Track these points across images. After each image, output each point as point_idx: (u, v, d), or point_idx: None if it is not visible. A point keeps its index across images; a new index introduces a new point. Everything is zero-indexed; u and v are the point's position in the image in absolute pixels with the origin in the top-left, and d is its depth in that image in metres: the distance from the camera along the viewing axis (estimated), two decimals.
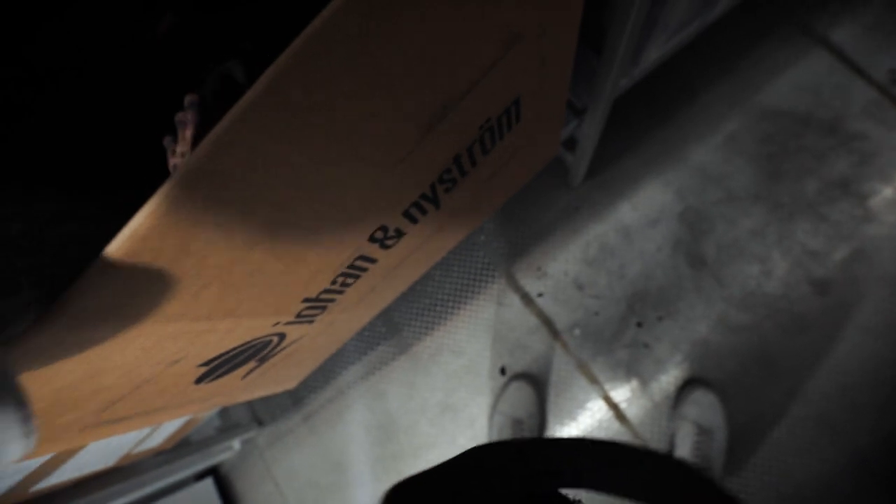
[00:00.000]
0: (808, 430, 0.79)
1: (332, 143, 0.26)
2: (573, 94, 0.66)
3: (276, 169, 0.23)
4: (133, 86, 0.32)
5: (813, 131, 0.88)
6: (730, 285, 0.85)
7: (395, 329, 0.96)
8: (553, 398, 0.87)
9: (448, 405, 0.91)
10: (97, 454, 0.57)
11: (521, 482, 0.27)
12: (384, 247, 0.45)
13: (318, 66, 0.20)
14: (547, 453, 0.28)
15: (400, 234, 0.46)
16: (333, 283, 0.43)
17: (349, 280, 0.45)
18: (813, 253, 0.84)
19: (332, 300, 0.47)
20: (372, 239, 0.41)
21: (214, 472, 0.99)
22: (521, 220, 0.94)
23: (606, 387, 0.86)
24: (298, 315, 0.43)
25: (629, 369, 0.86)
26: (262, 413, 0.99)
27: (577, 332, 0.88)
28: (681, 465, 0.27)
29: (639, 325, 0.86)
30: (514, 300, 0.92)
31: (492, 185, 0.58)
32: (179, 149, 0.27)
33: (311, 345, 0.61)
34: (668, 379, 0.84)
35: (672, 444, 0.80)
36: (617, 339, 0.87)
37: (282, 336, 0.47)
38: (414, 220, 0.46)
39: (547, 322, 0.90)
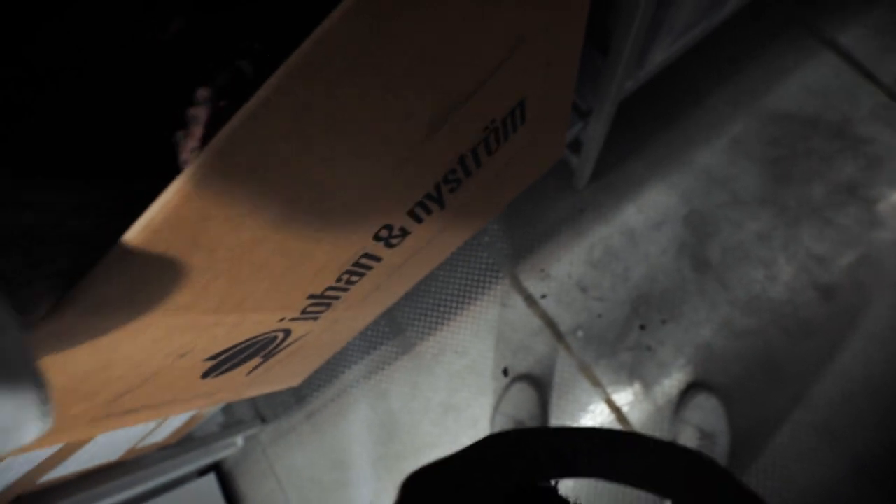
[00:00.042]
0: (811, 436, 0.78)
1: (339, 143, 0.26)
2: (578, 95, 0.66)
3: (284, 167, 0.24)
4: (142, 82, 0.33)
5: (820, 134, 0.88)
6: (734, 289, 0.85)
7: (399, 329, 0.96)
8: (555, 400, 0.87)
9: (451, 405, 0.92)
10: (104, 447, 0.58)
11: (523, 474, 0.27)
12: (389, 245, 0.45)
13: (329, 66, 0.21)
14: (547, 440, 0.28)
15: (405, 233, 0.46)
16: (338, 280, 0.43)
17: (354, 278, 0.46)
18: (819, 258, 0.84)
19: (336, 297, 0.47)
20: (377, 237, 0.42)
21: (217, 469, 1.00)
22: (526, 221, 0.94)
23: (609, 390, 0.86)
24: (303, 311, 0.44)
25: (632, 372, 0.85)
26: (265, 410, 1.00)
27: (580, 334, 0.88)
28: (686, 451, 0.28)
29: (642, 328, 0.86)
30: (517, 301, 0.92)
31: (496, 185, 0.59)
32: (190, 144, 0.27)
33: (315, 342, 0.62)
34: (671, 383, 0.84)
35: None
36: (620, 342, 0.87)
37: (287, 332, 0.48)
38: (419, 220, 0.46)
39: (550, 324, 0.90)
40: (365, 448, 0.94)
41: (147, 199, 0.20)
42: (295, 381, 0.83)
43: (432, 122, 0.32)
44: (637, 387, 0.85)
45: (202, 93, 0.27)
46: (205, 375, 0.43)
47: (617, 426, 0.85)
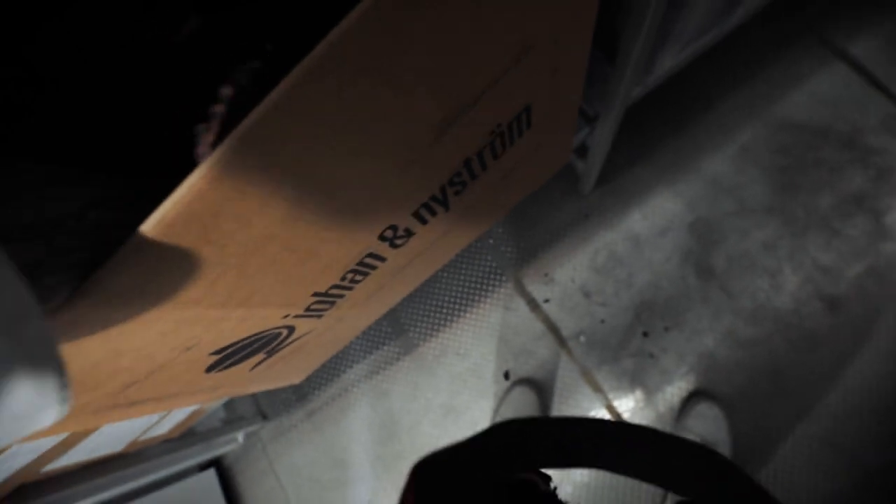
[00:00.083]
0: (814, 448, 0.78)
1: (349, 143, 0.27)
2: (585, 101, 0.66)
3: (295, 166, 0.24)
4: (158, 81, 0.34)
5: (829, 144, 0.87)
6: (739, 298, 0.84)
7: (401, 329, 0.96)
8: (556, 405, 0.87)
9: (451, 407, 0.92)
10: (108, 438, 0.59)
11: (527, 463, 0.27)
12: (393, 246, 0.46)
13: (341, 69, 0.21)
14: (553, 430, 0.28)
15: (409, 233, 0.46)
16: (343, 278, 0.43)
17: (358, 277, 0.46)
18: (825, 268, 0.83)
19: (340, 296, 0.48)
20: (382, 237, 0.42)
21: (217, 464, 1.01)
22: (531, 225, 0.94)
23: (610, 396, 0.86)
24: (308, 308, 0.44)
25: (634, 379, 0.85)
26: (266, 407, 1.01)
27: (582, 339, 0.88)
28: (691, 444, 0.27)
29: (645, 334, 0.86)
30: (520, 305, 0.92)
31: (502, 189, 0.59)
32: (209, 138, 0.28)
33: (318, 340, 0.62)
34: (673, 390, 0.84)
35: None
36: (623, 348, 0.86)
37: (291, 329, 0.48)
38: (424, 221, 0.46)
39: (553, 328, 0.90)
40: (364, 447, 0.94)
41: (164, 194, 0.20)
42: (297, 379, 0.83)
43: (440, 126, 0.32)
44: (639, 394, 0.85)
45: (225, 91, 0.28)
46: (209, 370, 0.44)
47: None
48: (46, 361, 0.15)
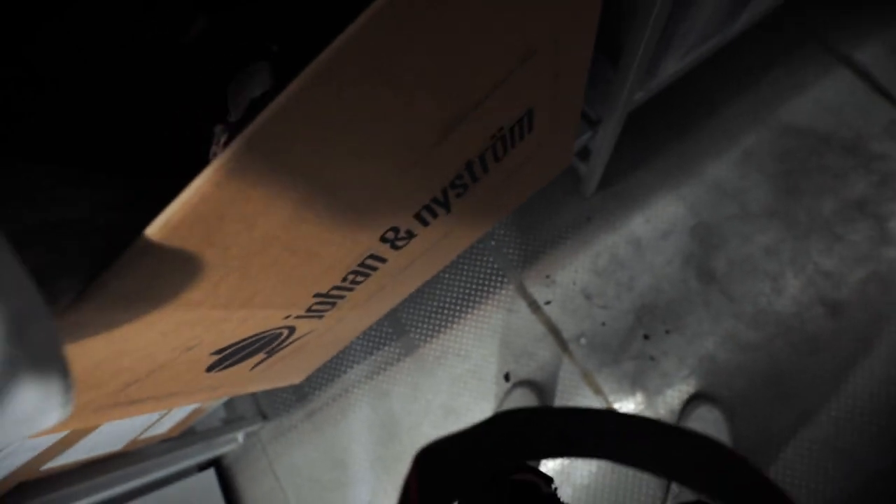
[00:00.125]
0: (815, 452, 0.77)
1: (352, 146, 0.27)
2: (588, 104, 0.66)
3: (298, 169, 0.24)
4: (165, 83, 0.34)
5: (833, 150, 0.87)
6: (740, 302, 0.84)
7: (402, 330, 0.96)
8: None
9: (451, 408, 0.92)
10: (108, 437, 0.59)
11: (530, 453, 0.27)
12: (395, 247, 0.46)
13: (345, 73, 0.21)
14: (556, 421, 0.28)
15: (411, 235, 0.46)
16: (344, 279, 0.43)
17: (359, 278, 0.46)
18: (827, 273, 0.83)
19: (342, 297, 0.48)
20: (383, 239, 0.42)
21: (217, 464, 1.01)
22: (533, 227, 0.94)
23: (611, 398, 0.86)
24: (309, 309, 0.44)
25: (635, 381, 0.85)
26: (266, 407, 1.01)
27: (583, 341, 0.88)
28: (694, 434, 0.27)
29: (646, 337, 0.86)
30: (521, 307, 0.92)
31: (503, 191, 0.59)
32: (224, 139, 0.28)
33: (318, 340, 0.62)
34: (674, 393, 0.83)
35: None
36: (623, 351, 0.86)
37: (291, 329, 0.48)
38: (425, 223, 0.47)
39: (554, 330, 0.90)
40: (364, 448, 0.94)
41: (168, 195, 0.20)
42: (297, 379, 0.83)
43: (442, 128, 0.33)
44: (639, 396, 0.85)
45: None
46: (210, 369, 0.44)
47: None
48: (51, 364, 0.15)
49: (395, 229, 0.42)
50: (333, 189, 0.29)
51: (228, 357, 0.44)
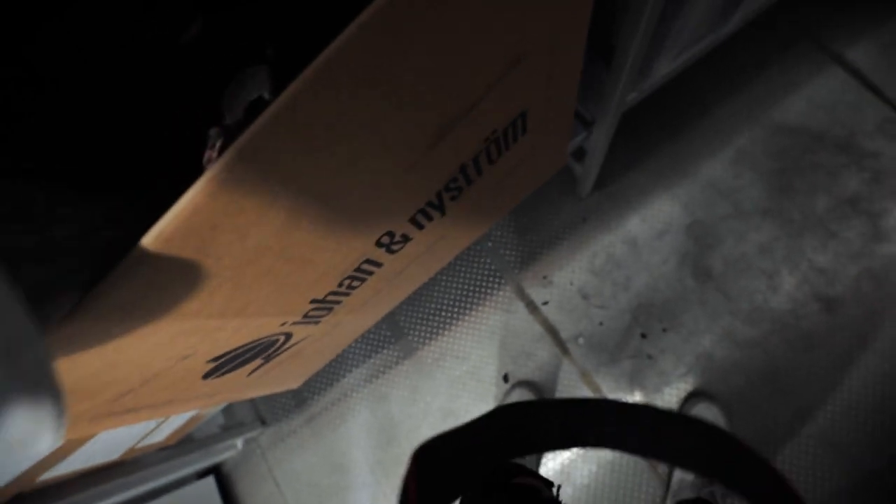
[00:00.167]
0: (812, 448, 0.78)
1: (345, 154, 0.27)
2: (582, 105, 0.66)
3: (291, 177, 0.24)
4: (161, 87, 0.34)
5: (826, 148, 0.88)
6: (736, 299, 0.84)
7: (400, 333, 0.96)
8: None
9: (450, 410, 0.91)
10: (104, 446, 0.58)
11: (532, 446, 0.27)
12: (390, 251, 0.46)
13: (337, 82, 0.21)
14: (557, 412, 0.28)
15: (406, 239, 0.46)
16: (340, 285, 0.43)
17: (355, 283, 0.46)
18: (822, 270, 0.83)
19: (338, 302, 0.48)
20: (379, 243, 0.42)
21: (216, 471, 1.00)
22: (529, 228, 0.95)
23: (609, 397, 0.86)
24: (305, 315, 0.44)
25: (633, 380, 0.85)
26: (265, 413, 1.00)
27: (581, 341, 0.88)
28: (697, 421, 0.27)
29: (643, 336, 0.86)
30: (519, 307, 0.92)
31: (498, 193, 0.59)
32: (219, 144, 0.27)
33: (315, 345, 0.62)
34: (672, 391, 0.84)
35: None
36: (621, 350, 0.87)
37: (288, 335, 0.48)
38: (420, 227, 0.47)
39: (551, 331, 0.90)
40: (364, 452, 0.94)
41: (164, 206, 0.20)
42: (295, 384, 0.83)
43: (435, 133, 0.33)
44: (637, 395, 0.85)
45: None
46: (206, 376, 0.44)
47: None
48: (44, 390, 0.15)
49: (391, 234, 0.42)
50: (327, 196, 0.29)
51: (225, 364, 0.43)
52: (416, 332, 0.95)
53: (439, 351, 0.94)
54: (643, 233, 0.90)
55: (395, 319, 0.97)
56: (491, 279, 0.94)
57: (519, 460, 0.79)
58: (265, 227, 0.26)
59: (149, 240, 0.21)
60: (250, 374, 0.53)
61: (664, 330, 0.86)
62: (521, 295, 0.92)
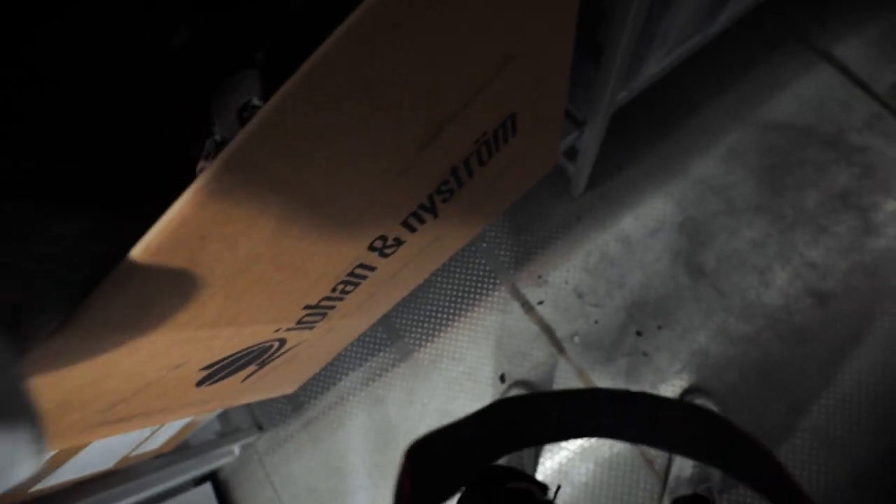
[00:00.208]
0: (807, 443, 0.79)
1: (334, 160, 0.26)
2: (573, 105, 0.67)
3: (279, 186, 0.24)
4: (140, 91, 0.33)
5: (815, 144, 0.88)
6: (730, 296, 0.85)
7: (396, 335, 0.96)
8: None
9: (447, 412, 0.91)
10: (98, 455, 0.58)
11: (530, 439, 0.27)
12: (383, 255, 0.46)
13: (324, 89, 0.21)
14: (554, 404, 0.28)
15: (399, 242, 0.46)
16: (334, 290, 0.43)
17: (349, 288, 0.46)
18: (814, 264, 0.84)
19: (332, 307, 0.48)
20: (371, 248, 0.42)
21: (213, 478, 1.00)
22: (523, 228, 0.95)
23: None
24: (299, 321, 0.44)
25: (628, 378, 0.86)
26: (262, 418, 1.00)
27: (577, 340, 0.89)
28: (694, 406, 0.27)
29: (638, 333, 0.87)
30: (514, 307, 0.92)
31: (490, 195, 0.59)
32: (205, 163, 0.27)
33: (310, 350, 0.62)
34: (667, 388, 0.84)
35: (670, 454, 0.80)
36: (616, 348, 0.87)
37: (282, 341, 0.48)
38: (412, 229, 0.47)
39: (547, 330, 0.90)
40: (362, 455, 0.94)
41: (152, 218, 0.20)
42: (290, 389, 0.83)
43: (424, 137, 0.33)
44: None
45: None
46: (199, 384, 0.43)
47: None
48: (20, 415, 0.15)
49: (383, 238, 0.42)
50: (317, 203, 0.28)
51: (218, 371, 0.43)
52: (412, 335, 0.95)
53: (435, 352, 0.94)
54: (636, 231, 0.90)
55: (390, 322, 0.97)
56: (486, 280, 0.94)
57: (517, 462, 0.79)
58: (255, 235, 0.25)
59: (137, 252, 0.20)
60: (244, 380, 0.53)
61: (659, 327, 0.86)
62: (517, 295, 0.92)
